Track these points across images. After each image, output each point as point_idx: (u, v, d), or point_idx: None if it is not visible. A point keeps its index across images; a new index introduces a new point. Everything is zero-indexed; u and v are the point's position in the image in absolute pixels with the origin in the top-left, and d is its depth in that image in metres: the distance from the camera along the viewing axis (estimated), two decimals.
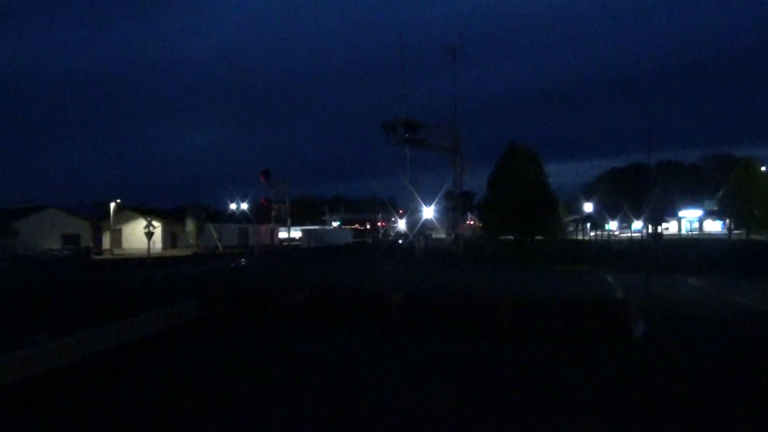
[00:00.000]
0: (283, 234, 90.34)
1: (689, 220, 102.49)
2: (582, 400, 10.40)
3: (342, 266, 44.73)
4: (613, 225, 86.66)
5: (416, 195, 59.86)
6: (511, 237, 63.03)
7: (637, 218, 79.85)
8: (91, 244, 72.49)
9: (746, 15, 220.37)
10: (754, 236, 67.65)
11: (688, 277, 31.71)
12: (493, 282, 31.14)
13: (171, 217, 79.83)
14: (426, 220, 64.77)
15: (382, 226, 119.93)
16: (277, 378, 12.24)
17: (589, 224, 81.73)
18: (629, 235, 78.81)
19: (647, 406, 10.08)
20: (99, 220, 77.92)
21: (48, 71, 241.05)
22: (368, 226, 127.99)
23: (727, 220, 78.22)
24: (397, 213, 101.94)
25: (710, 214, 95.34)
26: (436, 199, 62.66)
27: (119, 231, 76.48)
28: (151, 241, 48.57)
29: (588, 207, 78.97)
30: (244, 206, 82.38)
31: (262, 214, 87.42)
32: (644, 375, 12.15)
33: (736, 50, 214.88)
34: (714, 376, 12.18)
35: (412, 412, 9.96)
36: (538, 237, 61.48)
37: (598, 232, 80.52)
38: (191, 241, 77.54)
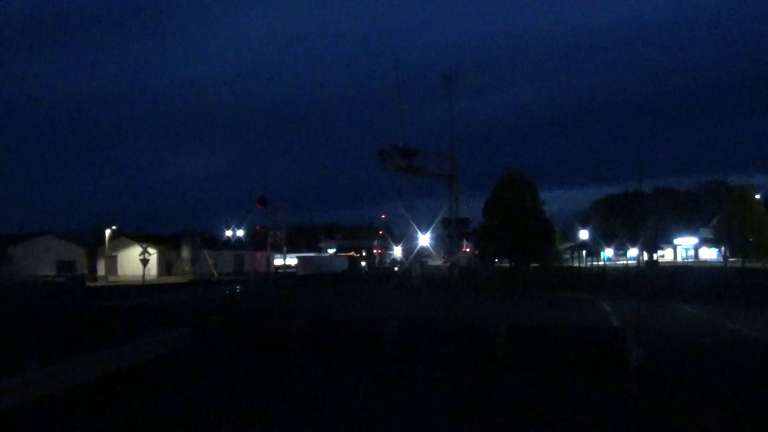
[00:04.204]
0: (278, 261, 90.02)
1: (685, 248, 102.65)
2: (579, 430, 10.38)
3: (338, 293, 44.56)
4: (608, 252, 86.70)
5: (412, 222, 59.95)
6: (507, 264, 63.12)
7: (633, 245, 79.99)
8: (86, 271, 72.09)
9: (741, 44, 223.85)
10: (750, 264, 67.62)
11: (683, 305, 31.70)
12: (489, 309, 31.09)
13: (166, 244, 79.52)
14: (422, 247, 64.77)
15: (378, 253, 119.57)
16: (271, 407, 12.19)
17: (584, 251, 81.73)
18: (625, 262, 78.84)
19: None
20: (95, 246, 77.57)
21: (45, 97, 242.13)
22: (364, 253, 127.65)
23: (723, 248, 78.36)
24: (391, 237, 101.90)
25: (705, 241, 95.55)
26: (432, 226, 62.75)
27: (114, 258, 76.02)
28: (147, 268, 48.50)
29: (583, 234, 79.14)
30: (240, 233, 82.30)
31: (258, 241, 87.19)
32: (642, 403, 12.13)
33: (732, 79, 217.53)
34: (710, 404, 12.17)
35: None
36: (533, 264, 61.58)
37: (595, 262, 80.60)
38: (186, 268, 77.19)
